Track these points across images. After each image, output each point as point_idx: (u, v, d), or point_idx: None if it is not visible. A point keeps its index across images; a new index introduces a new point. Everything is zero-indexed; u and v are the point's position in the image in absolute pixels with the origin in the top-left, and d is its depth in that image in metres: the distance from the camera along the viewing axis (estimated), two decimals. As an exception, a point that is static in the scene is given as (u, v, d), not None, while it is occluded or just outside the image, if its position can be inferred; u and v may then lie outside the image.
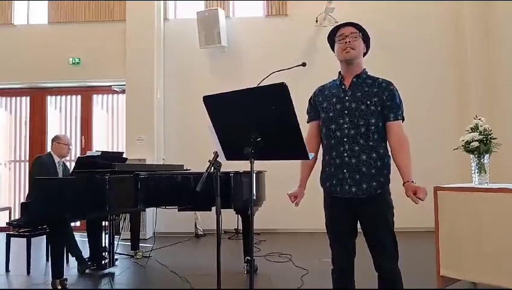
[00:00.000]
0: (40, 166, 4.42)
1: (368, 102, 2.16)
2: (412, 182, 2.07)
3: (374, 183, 2.15)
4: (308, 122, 2.40)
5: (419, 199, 1.99)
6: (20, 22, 7.12)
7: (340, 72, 2.32)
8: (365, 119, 2.14)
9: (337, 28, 2.30)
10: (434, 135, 6.18)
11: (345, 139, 2.16)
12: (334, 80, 2.36)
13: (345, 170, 2.16)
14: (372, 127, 2.15)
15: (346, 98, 2.20)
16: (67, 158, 6.70)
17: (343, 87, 2.25)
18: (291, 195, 2.34)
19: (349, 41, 2.20)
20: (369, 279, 2.31)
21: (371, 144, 2.15)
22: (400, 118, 2.20)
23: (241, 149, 1.94)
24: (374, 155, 2.16)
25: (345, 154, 2.16)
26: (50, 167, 4.48)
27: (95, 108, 7.20)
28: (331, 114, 2.22)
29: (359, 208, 2.18)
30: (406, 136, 2.19)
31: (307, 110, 2.41)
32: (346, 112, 2.17)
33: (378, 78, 2.26)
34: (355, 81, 2.24)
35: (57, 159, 4.60)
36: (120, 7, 6.84)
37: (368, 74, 2.29)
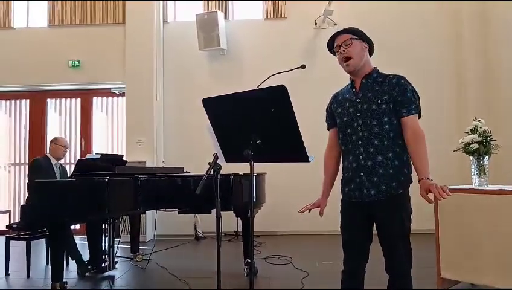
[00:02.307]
0: (38, 168, 4.42)
1: (379, 101, 2.12)
2: (428, 179, 1.97)
3: (394, 184, 2.10)
4: (328, 130, 2.39)
5: (442, 196, 1.88)
6: (20, 25, 7.12)
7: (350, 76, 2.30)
8: (377, 119, 2.10)
9: (333, 38, 2.27)
10: (434, 137, 6.15)
11: (360, 142, 2.13)
12: (347, 85, 2.33)
13: (362, 173, 2.12)
14: (386, 126, 2.10)
15: (358, 100, 2.18)
16: (67, 161, 6.78)
17: (354, 90, 2.23)
18: (313, 206, 2.29)
19: (344, 51, 2.18)
20: (377, 280, 2.29)
21: (386, 143, 2.10)
22: (413, 112, 2.11)
23: (241, 151, 1.95)
24: (391, 155, 2.10)
25: (361, 157, 2.12)
26: (48, 169, 4.48)
27: (95, 111, 7.20)
28: (345, 119, 2.20)
29: (377, 212, 2.13)
30: (422, 130, 2.10)
31: (326, 118, 2.40)
32: (358, 114, 2.15)
33: (389, 75, 2.20)
34: (364, 82, 2.20)
35: (53, 161, 4.60)
36: (119, 10, 6.85)
37: (379, 72, 2.23)
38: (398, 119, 2.13)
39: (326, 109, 2.40)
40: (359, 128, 2.14)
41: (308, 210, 2.33)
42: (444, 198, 1.89)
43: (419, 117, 2.16)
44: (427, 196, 1.92)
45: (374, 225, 2.21)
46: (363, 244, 2.21)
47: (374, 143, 2.11)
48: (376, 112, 2.11)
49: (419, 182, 2.01)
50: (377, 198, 2.10)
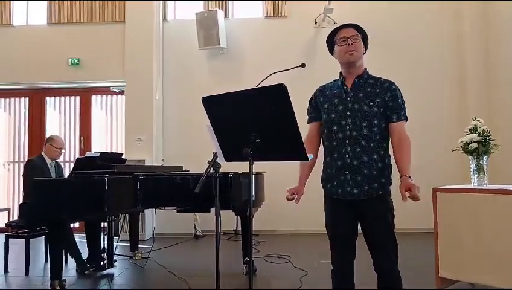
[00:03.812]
0: (32, 169, 4.41)
1: (371, 103, 2.15)
2: (409, 177, 2.03)
3: (375, 185, 2.15)
4: (308, 123, 2.39)
5: (414, 198, 1.94)
6: (19, 22, 7.11)
7: (341, 72, 2.31)
8: (368, 120, 2.13)
9: (336, 30, 2.28)
10: (434, 136, 6.18)
11: (347, 141, 2.15)
12: (335, 80, 2.34)
13: (346, 172, 2.16)
14: (375, 129, 2.14)
15: (349, 99, 2.19)
16: (66, 159, 6.78)
17: (345, 88, 2.24)
18: (290, 190, 2.27)
19: (351, 44, 2.19)
20: (368, 279, 2.31)
21: (372, 145, 2.14)
22: (402, 118, 2.19)
23: (240, 150, 1.94)
24: (375, 156, 2.15)
25: (347, 155, 2.15)
26: (43, 169, 4.47)
27: (94, 109, 7.19)
28: (333, 115, 2.21)
29: (360, 209, 2.18)
30: (408, 136, 2.18)
31: (308, 110, 2.39)
32: (348, 113, 2.16)
33: (380, 78, 2.25)
34: (357, 82, 2.23)
35: (48, 160, 4.60)
36: (119, 8, 6.84)
37: (369, 73, 2.28)
38: (386, 123, 2.18)
39: (310, 101, 2.39)
40: (347, 127, 2.16)
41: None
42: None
43: (406, 121, 2.23)
44: (405, 193, 1.96)
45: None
46: (349, 240, 2.24)
47: (361, 143, 2.14)
48: (367, 113, 2.14)
49: (400, 178, 2.06)
50: (358, 197, 2.15)
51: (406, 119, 2.22)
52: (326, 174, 2.28)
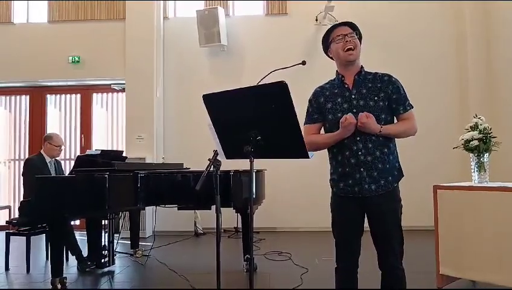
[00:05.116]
0: (32, 168, 4.40)
1: (376, 98, 2.16)
2: (380, 128, 2.09)
3: (390, 178, 2.17)
4: (307, 124, 2.31)
5: (361, 118, 2.04)
6: (20, 20, 7.10)
7: (337, 71, 2.31)
8: (376, 115, 2.12)
9: (332, 29, 2.29)
10: (435, 134, 6.18)
11: (358, 138, 2.14)
12: (331, 81, 2.34)
13: (362, 169, 2.14)
14: (382, 123, 2.14)
15: (353, 96, 2.19)
16: (67, 157, 6.78)
17: (346, 86, 2.23)
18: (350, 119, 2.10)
19: (349, 41, 2.20)
20: (371, 278, 2.31)
21: (381, 139, 2.14)
22: (408, 108, 2.22)
23: (241, 148, 1.94)
24: (386, 150, 2.16)
25: (360, 152, 2.14)
26: (42, 168, 4.45)
27: (95, 107, 7.19)
28: (339, 114, 2.19)
29: (371, 206, 2.17)
30: (416, 126, 2.23)
31: (308, 112, 2.34)
32: (354, 110, 2.15)
33: (377, 73, 2.26)
34: (357, 78, 2.22)
35: (48, 158, 4.59)
36: (120, 6, 6.83)
37: (365, 69, 2.28)
38: (391, 116, 2.21)
39: (310, 102, 2.34)
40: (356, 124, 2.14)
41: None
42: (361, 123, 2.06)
43: (412, 108, 2.26)
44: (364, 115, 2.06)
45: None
46: (356, 239, 2.23)
47: (372, 139, 2.14)
48: (374, 108, 2.15)
49: None
50: (376, 193, 2.14)
51: (412, 107, 2.24)
52: (338, 174, 2.24)
